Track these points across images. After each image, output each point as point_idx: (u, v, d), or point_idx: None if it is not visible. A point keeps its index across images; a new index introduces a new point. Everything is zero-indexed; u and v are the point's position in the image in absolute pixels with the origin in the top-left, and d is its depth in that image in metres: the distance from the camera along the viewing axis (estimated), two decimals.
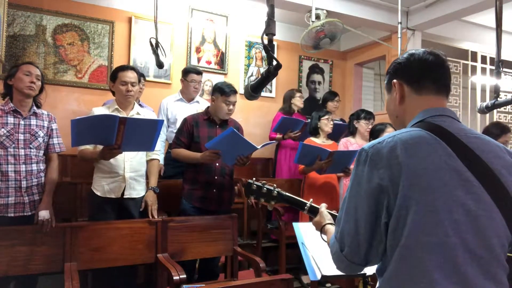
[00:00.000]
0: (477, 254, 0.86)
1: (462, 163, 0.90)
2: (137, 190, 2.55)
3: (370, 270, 1.62)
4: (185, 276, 2.10)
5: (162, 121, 2.32)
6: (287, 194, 1.47)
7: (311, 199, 1.42)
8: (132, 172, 2.52)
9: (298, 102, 4.27)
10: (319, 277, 1.56)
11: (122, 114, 2.45)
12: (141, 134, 2.18)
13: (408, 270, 0.87)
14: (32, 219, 2.23)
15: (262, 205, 3.56)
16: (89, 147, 2.41)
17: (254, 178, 1.53)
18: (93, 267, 2.32)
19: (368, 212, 0.92)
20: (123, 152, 2.32)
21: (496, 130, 2.99)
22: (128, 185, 2.49)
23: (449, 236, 0.85)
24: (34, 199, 2.28)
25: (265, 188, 1.48)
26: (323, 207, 1.34)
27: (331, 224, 1.25)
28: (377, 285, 0.99)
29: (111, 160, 2.41)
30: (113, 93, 2.59)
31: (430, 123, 0.97)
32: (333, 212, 1.35)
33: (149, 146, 2.28)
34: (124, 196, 2.49)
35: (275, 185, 1.50)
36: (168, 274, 2.20)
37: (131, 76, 2.49)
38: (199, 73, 3.59)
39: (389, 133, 0.97)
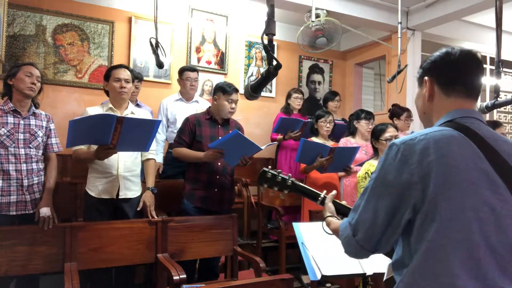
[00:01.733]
0: (497, 251, 0.90)
1: (489, 164, 0.94)
2: (132, 191, 2.51)
3: (370, 270, 1.63)
4: (185, 276, 2.10)
5: (159, 121, 2.29)
6: (301, 184, 1.50)
7: (325, 191, 1.44)
8: (126, 172, 2.48)
9: (293, 102, 4.25)
10: (319, 277, 1.56)
11: (117, 114, 2.41)
12: (137, 134, 2.16)
13: (432, 264, 0.91)
14: (34, 217, 2.24)
15: (262, 205, 3.56)
16: (83, 147, 2.38)
17: (270, 167, 1.54)
18: (93, 267, 2.32)
19: (390, 205, 0.96)
20: (117, 152, 2.28)
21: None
22: (123, 185, 2.46)
23: (474, 233, 0.89)
24: (36, 197, 2.30)
25: (280, 177, 1.49)
26: (328, 199, 1.38)
27: (331, 216, 1.31)
28: (392, 275, 1.03)
29: (105, 160, 2.36)
30: (107, 94, 2.53)
31: (459, 124, 1.00)
32: (343, 202, 1.39)
33: (144, 146, 2.27)
34: (119, 197, 2.45)
35: (290, 174, 1.52)
36: (168, 274, 2.19)
37: (124, 73, 2.46)
38: (194, 70, 3.60)
39: (419, 131, 1.00)
